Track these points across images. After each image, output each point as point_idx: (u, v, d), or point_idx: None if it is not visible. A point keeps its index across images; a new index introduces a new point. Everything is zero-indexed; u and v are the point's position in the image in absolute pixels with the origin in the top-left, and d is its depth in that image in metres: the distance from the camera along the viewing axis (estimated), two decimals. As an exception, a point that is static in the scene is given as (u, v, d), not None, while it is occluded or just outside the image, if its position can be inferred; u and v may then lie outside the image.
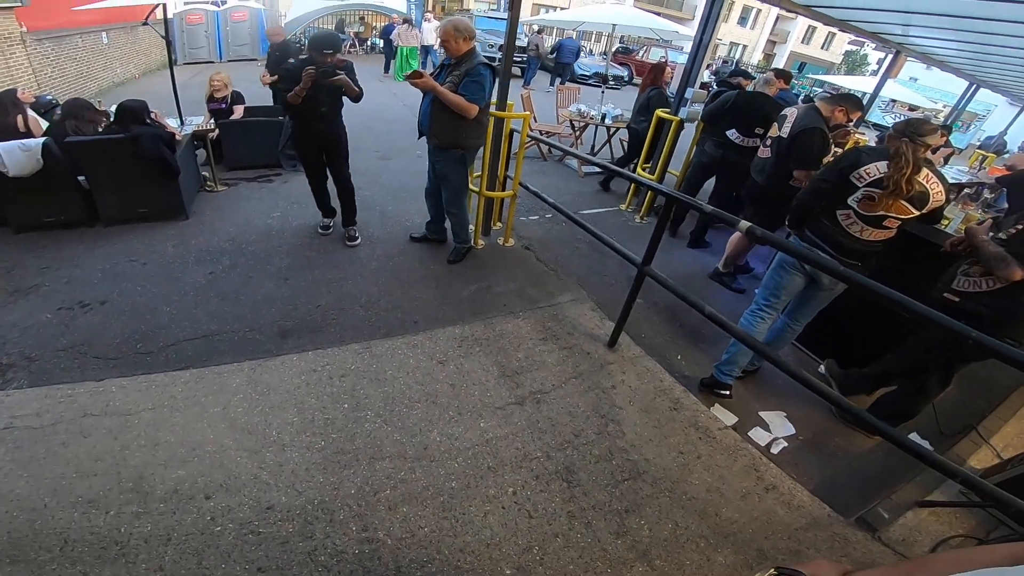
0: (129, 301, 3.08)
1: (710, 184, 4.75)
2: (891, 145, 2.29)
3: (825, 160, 3.36)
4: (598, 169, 6.54)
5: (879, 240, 2.43)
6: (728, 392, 2.89)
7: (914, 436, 2.93)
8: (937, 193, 2.24)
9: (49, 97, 5.23)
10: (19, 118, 3.68)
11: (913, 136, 2.24)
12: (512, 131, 3.81)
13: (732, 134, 4.13)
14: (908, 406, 2.82)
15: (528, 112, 4.14)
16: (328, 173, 3.82)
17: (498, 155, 3.80)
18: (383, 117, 8.04)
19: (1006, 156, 9.83)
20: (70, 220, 3.79)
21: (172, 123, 4.49)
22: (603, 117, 6.84)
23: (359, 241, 4.05)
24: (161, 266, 3.48)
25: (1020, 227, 2.22)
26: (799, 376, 2.17)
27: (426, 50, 12.75)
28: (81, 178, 3.70)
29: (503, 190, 3.99)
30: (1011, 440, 2.85)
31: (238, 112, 5.12)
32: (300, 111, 3.37)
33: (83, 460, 2.01)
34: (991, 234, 2.37)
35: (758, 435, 2.72)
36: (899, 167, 2.18)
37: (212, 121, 4.91)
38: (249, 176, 5.12)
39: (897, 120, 2.65)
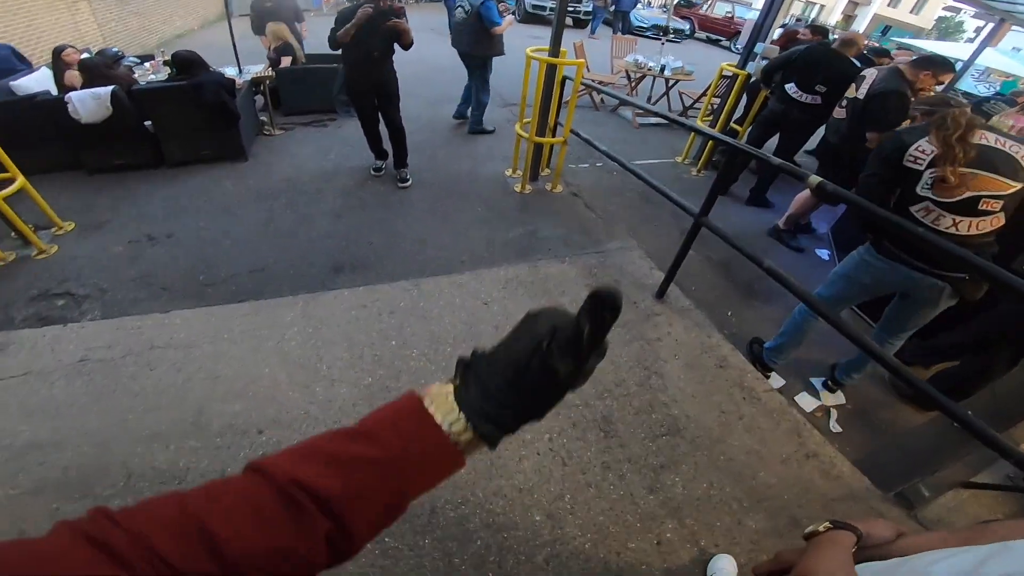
0: (193, 236, 3.25)
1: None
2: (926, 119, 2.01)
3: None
4: (653, 120, 6.27)
5: (986, 234, 1.90)
6: (768, 376, 2.72)
7: (969, 414, 2.74)
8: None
9: (115, 50, 5.44)
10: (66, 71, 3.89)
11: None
12: (565, 78, 3.68)
13: (791, 88, 3.85)
14: (969, 383, 2.62)
15: (581, 60, 3.96)
16: (380, 117, 3.88)
17: (549, 101, 3.69)
18: (436, 65, 7.95)
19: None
20: (138, 163, 4.01)
21: (231, 71, 4.62)
22: (662, 68, 6.50)
23: (410, 183, 4.13)
24: (222, 204, 3.64)
25: None
26: (858, 339, 2.01)
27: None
28: (147, 123, 3.88)
29: (553, 136, 3.88)
30: None
31: (285, 63, 5.20)
32: (353, 56, 3.43)
33: (149, 394, 2.11)
34: None
35: (805, 400, 2.62)
36: (945, 130, 1.81)
37: (270, 69, 5.03)
38: (305, 121, 5.23)
39: (996, 90, 2.30)
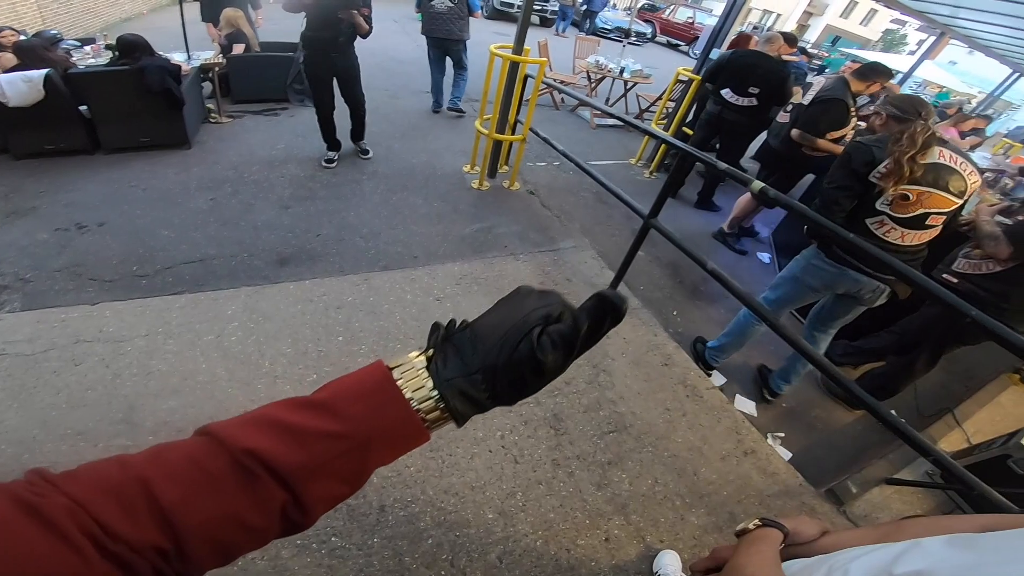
0: (128, 224, 3.08)
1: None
2: (888, 129, 2.08)
3: (834, 135, 3.29)
4: (610, 121, 6.38)
5: (923, 243, 2.08)
6: (710, 374, 2.83)
7: (892, 413, 2.95)
8: (971, 174, 1.93)
9: (53, 32, 5.09)
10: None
11: (918, 114, 2.04)
12: (527, 76, 3.70)
13: (727, 93, 4.00)
14: (894, 383, 2.86)
15: (544, 59, 3.99)
16: (335, 104, 3.86)
17: (510, 99, 3.70)
18: (395, 57, 7.82)
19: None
20: (71, 148, 3.77)
21: (179, 57, 4.42)
22: (622, 70, 6.62)
23: (371, 154, 4.28)
24: (162, 191, 3.46)
25: None
26: (793, 341, 2.15)
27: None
28: (83, 108, 3.67)
29: (513, 134, 3.90)
30: (982, 426, 2.85)
31: (237, 50, 4.99)
32: (315, 40, 3.45)
33: (74, 389, 1.99)
34: (998, 218, 2.35)
35: (742, 402, 2.73)
36: (900, 146, 1.88)
37: (220, 56, 4.84)
38: (255, 109, 5.03)
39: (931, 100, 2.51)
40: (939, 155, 1.89)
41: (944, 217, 1.98)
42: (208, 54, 4.87)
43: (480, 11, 5.17)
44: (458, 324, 0.46)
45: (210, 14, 5.29)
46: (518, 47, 3.45)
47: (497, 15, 14.16)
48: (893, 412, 2.32)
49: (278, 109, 5.10)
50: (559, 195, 4.29)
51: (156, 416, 1.93)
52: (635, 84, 6.75)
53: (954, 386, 3.45)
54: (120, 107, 3.71)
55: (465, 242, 3.35)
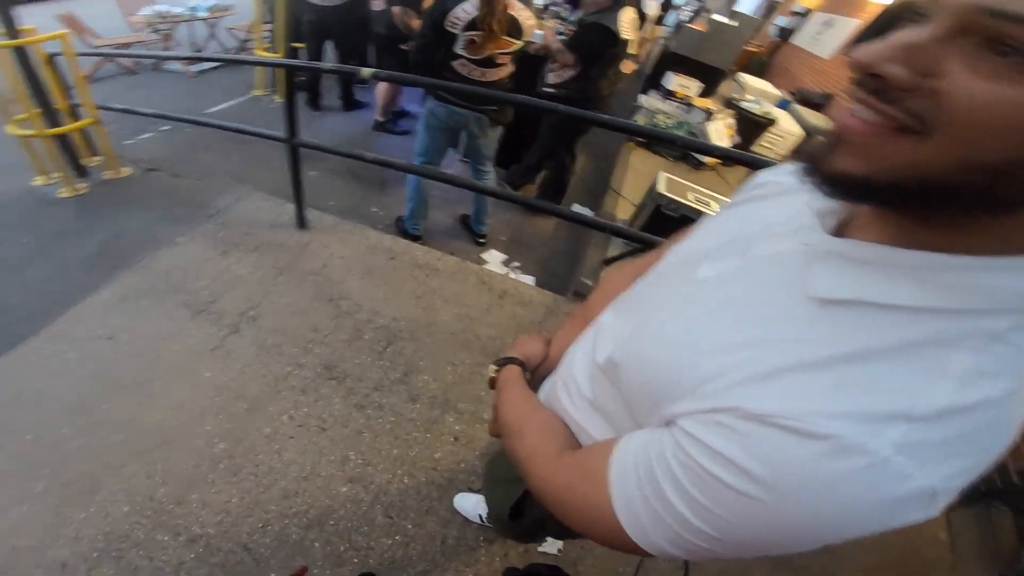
0: None
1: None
2: None
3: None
4: (211, 65, 5.54)
5: (503, 79, 2.52)
6: (420, 239, 3.05)
7: (576, 207, 3.68)
8: (528, 19, 2.34)
9: None
10: None
11: None
12: (51, 56, 2.78)
13: None
14: (560, 182, 3.52)
15: (62, 32, 2.91)
16: None
17: (39, 87, 2.80)
18: None
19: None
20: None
21: None
22: (194, 10, 5.68)
23: None
24: None
25: (574, 29, 2.98)
26: (479, 188, 2.62)
27: None
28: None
29: (76, 121, 3.00)
30: (634, 190, 3.65)
31: None
32: None
33: None
34: (559, 36, 3.06)
35: (492, 256, 3.05)
36: (491, 9, 2.16)
37: None
38: None
39: None
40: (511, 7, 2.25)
41: (509, 56, 2.41)
42: None
43: None
44: None
45: None
46: (10, 29, 2.56)
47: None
48: (576, 206, 2.91)
49: None
50: (189, 158, 3.66)
51: None
52: (220, 17, 5.91)
53: (601, 164, 4.37)
54: None
55: (98, 262, 2.60)
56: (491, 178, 2.99)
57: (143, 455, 1.76)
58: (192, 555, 1.54)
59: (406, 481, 1.79)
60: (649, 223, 2.81)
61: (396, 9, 3.32)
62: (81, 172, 3.09)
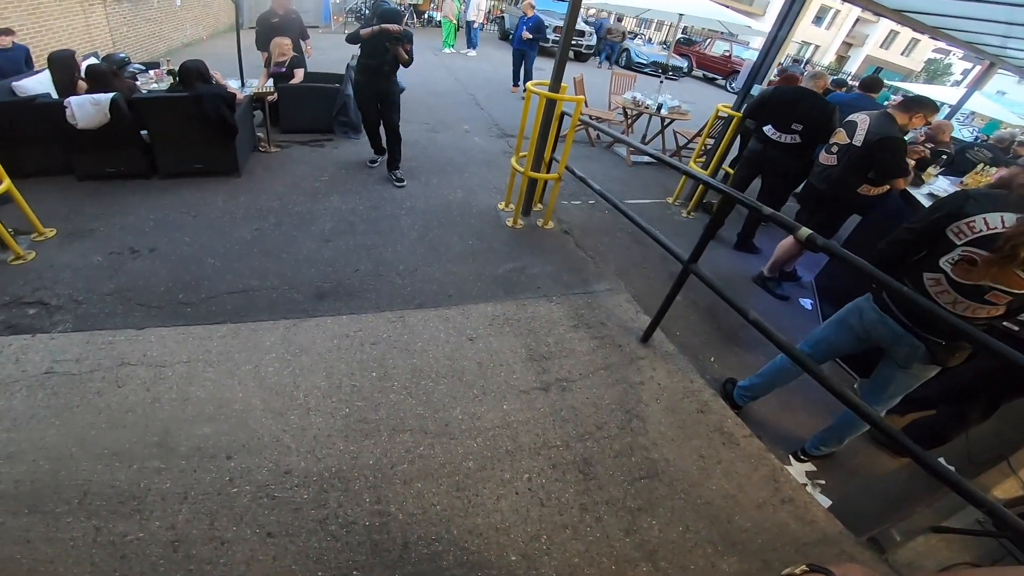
0: (176, 251, 3.20)
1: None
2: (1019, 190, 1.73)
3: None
4: (647, 159, 6.37)
5: (980, 318, 1.82)
6: (739, 411, 2.76)
7: (941, 461, 2.77)
8: None
9: (122, 55, 5.40)
10: (79, 81, 3.87)
11: None
12: (563, 114, 3.73)
13: (768, 130, 3.97)
14: (944, 432, 2.71)
15: (581, 96, 4.02)
16: (380, 122, 4.47)
17: (546, 136, 3.73)
18: (434, 90, 8.04)
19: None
20: (130, 171, 3.97)
21: (233, 84, 4.61)
22: (659, 107, 6.62)
23: (406, 183, 4.58)
24: (210, 219, 3.60)
25: None
26: (838, 392, 2.00)
27: (468, 25, 12.34)
28: (144, 133, 3.86)
29: (548, 172, 3.92)
30: None
31: (298, 76, 5.20)
32: (365, 66, 4.10)
33: (114, 410, 2.05)
34: None
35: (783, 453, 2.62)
36: None
37: (270, 83, 5.02)
38: (303, 140, 5.23)
39: (977, 134, 2.36)
40: None
41: (1009, 298, 1.72)
42: (257, 82, 5.07)
43: None
44: None
45: (264, 43, 5.53)
46: (555, 84, 3.48)
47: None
48: (942, 460, 2.18)
49: (323, 140, 5.29)
50: (594, 235, 4.27)
51: (190, 442, 1.97)
52: (672, 120, 6.73)
53: (1009, 433, 3.22)
54: (178, 133, 3.91)
55: (498, 282, 3.36)
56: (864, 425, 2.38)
57: (421, 433, 2.19)
58: (368, 523, 1.81)
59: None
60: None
61: (902, 183, 3.19)
62: (527, 212, 4.02)
